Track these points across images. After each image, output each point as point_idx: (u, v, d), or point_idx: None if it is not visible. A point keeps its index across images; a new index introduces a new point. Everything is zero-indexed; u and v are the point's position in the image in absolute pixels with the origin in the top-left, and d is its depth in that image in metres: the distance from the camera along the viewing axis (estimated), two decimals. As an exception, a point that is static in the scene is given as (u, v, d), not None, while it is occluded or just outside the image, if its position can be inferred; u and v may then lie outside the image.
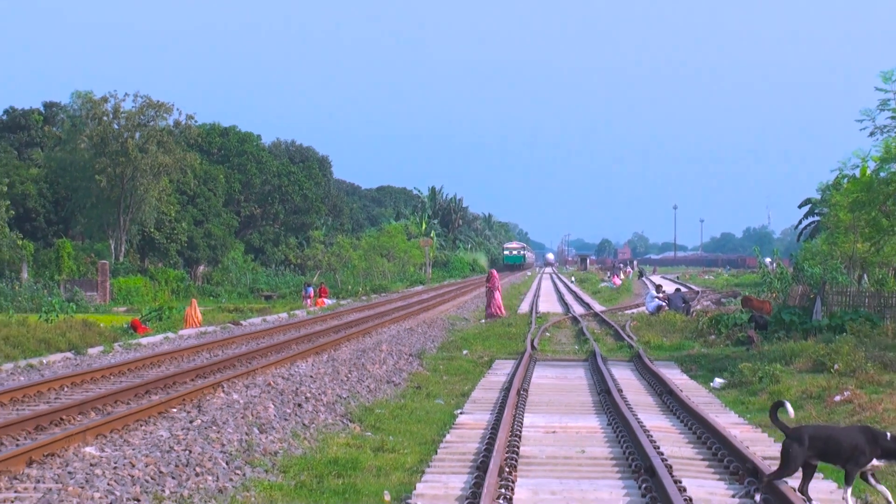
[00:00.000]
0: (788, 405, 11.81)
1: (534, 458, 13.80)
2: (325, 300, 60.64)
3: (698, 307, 53.58)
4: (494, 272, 52.87)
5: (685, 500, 10.45)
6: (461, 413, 18.42)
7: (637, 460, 12.99)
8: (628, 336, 35.93)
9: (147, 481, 11.93)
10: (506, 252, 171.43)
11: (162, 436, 14.57)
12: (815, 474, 11.68)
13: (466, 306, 57.96)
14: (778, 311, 36.26)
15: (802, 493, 11.05)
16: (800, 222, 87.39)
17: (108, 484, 11.59)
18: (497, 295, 49.67)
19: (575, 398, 20.52)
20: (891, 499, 11.19)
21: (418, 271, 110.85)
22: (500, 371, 25.42)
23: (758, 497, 11.31)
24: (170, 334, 34.67)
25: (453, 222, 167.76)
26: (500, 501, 10.67)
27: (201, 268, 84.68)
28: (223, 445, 14.30)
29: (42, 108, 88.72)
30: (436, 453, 14.44)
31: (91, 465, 12.48)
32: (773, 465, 12.99)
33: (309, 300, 58.82)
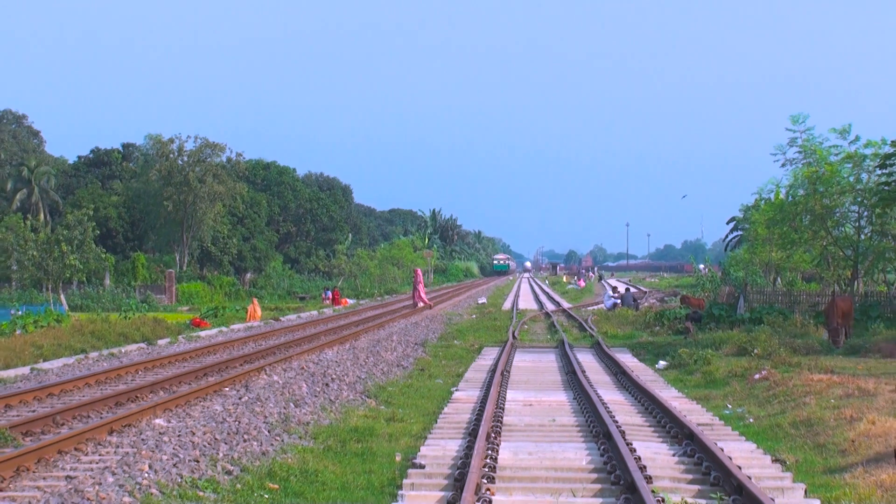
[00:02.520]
0: None
1: (514, 425, 13.79)
2: (348, 300, 60.56)
3: (646, 304, 53.59)
4: (418, 270, 53.04)
5: (635, 458, 10.43)
6: (456, 390, 18.41)
7: (597, 427, 12.98)
8: (590, 327, 35.95)
9: (205, 446, 11.93)
10: (495, 262, 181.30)
11: (217, 410, 14.56)
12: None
13: (460, 305, 57.93)
14: (709, 307, 36.31)
15: None
16: (727, 236, 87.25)
17: (174, 448, 11.59)
18: (420, 288, 49.59)
19: (547, 378, 20.52)
20: None
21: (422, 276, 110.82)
22: (488, 356, 25.41)
23: None
24: (223, 328, 34.66)
25: (450, 237, 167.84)
26: (488, 461, 10.66)
27: (248, 275, 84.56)
28: (266, 417, 14.30)
29: (121, 148, 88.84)
30: (436, 422, 14.44)
31: (160, 433, 12.47)
32: (707, 431, 12.96)
33: (328, 301, 58.74)
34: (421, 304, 48.46)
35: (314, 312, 47.12)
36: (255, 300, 44.46)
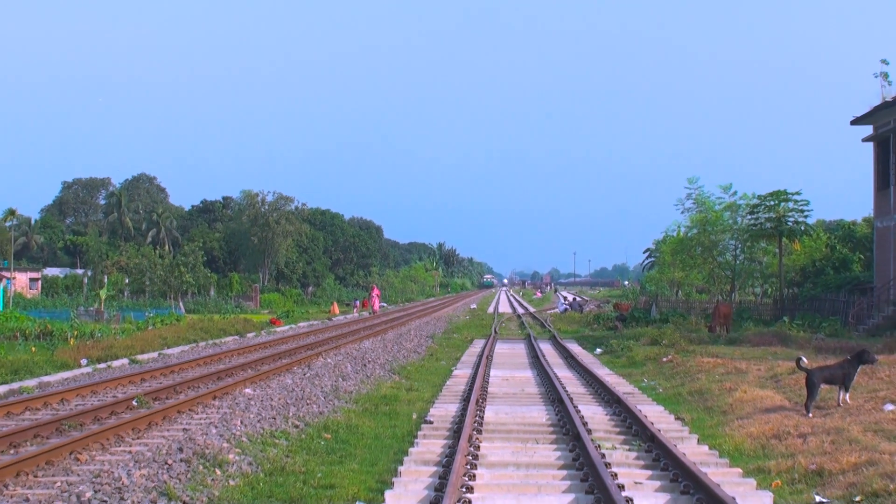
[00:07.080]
0: (804, 358, 11.67)
1: (495, 394, 13.78)
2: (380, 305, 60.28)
3: (588, 309, 53.51)
4: (374, 286, 52.74)
5: (580, 417, 10.44)
6: (455, 369, 18.38)
7: (553, 395, 12.98)
8: (548, 325, 35.89)
9: (280, 408, 11.94)
10: (484, 280, 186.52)
11: (288, 382, 14.57)
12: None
13: (458, 309, 57.83)
14: (632, 311, 36.29)
15: (807, 408, 10.88)
16: (644, 260, 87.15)
17: (258, 409, 11.61)
18: (375, 300, 48.97)
19: (518, 360, 20.49)
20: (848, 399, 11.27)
21: (431, 290, 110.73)
22: (477, 346, 25.34)
23: (810, 411, 10.83)
24: (293, 326, 34.61)
25: (451, 262, 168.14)
26: (477, 418, 10.66)
27: (310, 288, 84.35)
28: (322, 388, 14.30)
29: (221, 200, 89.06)
30: (441, 392, 14.42)
31: (248, 399, 12.49)
32: (630, 397, 12.93)
33: (356, 308, 58.38)
34: (372, 311, 47.71)
35: (356, 315, 47.05)
36: (336, 303, 48.14)
